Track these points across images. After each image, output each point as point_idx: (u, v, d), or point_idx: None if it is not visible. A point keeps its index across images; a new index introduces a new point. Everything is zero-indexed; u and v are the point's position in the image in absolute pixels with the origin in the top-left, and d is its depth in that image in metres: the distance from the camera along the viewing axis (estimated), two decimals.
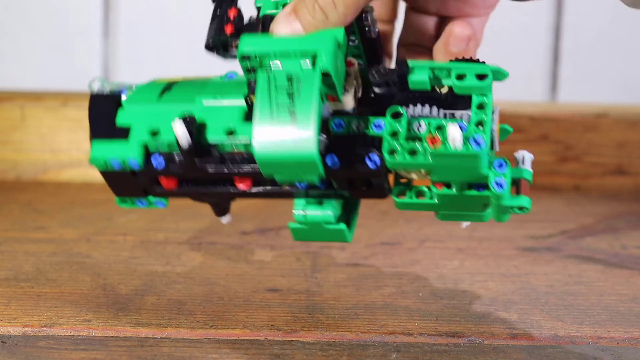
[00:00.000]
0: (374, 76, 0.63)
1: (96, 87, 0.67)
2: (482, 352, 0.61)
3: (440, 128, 0.62)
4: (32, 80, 1.11)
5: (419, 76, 0.63)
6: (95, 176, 1.06)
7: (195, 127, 0.63)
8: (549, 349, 0.62)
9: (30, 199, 0.98)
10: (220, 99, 0.65)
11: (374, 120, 0.63)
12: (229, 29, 0.66)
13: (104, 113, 0.67)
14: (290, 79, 0.60)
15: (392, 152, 0.62)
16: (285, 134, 0.59)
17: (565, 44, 1.09)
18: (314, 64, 0.60)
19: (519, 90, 1.10)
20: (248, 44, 0.61)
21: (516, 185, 0.62)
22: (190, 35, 1.10)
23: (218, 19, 0.67)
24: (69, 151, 1.06)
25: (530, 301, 0.69)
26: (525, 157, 0.64)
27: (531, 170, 0.63)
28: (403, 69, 0.62)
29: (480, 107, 0.62)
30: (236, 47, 0.66)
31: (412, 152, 0.62)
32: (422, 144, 0.62)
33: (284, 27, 0.63)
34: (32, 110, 1.06)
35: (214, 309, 0.67)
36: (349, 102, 0.63)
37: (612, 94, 1.10)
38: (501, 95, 1.10)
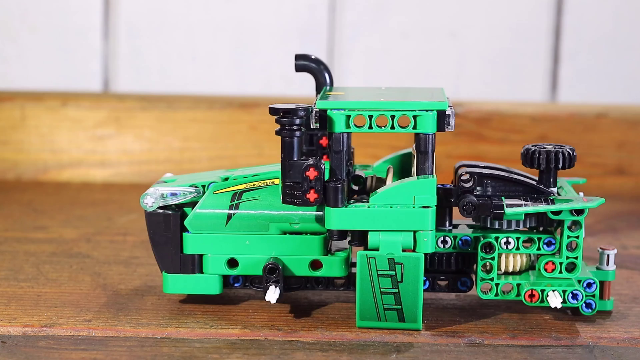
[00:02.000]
0: (466, 212, 0.64)
1: (150, 203, 0.66)
2: (482, 352, 0.61)
3: (530, 241, 0.65)
4: (32, 80, 1.11)
5: (513, 215, 0.64)
6: (95, 176, 1.06)
7: (281, 275, 0.65)
8: (549, 349, 0.61)
9: (30, 199, 0.98)
10: (295, 226, 0.65)
11: (462, 236, 0.65)
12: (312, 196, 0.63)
13: (168, 240, 0.66)
14: (392, 262, 0.62)
15: (485, 291, 0.66)
16: (391, 321, 0.63)
17: (565, 44, 1.09)
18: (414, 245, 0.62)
19: (519, 90, 1.10)
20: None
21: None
22: (189, 35, 1.10)
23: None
24: (69, 151, 1.06)
25: None
26: (610, 256, 0.67)
27: (614, 267, 0.67)
28: (499, 214, 0.64)
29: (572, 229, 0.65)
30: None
31: (507, 292, 0.66)
32: (514, 278, 0.66)
33: None
34: (32, 110, 1.06)
35: (214, 309, 0.67)
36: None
37: (612, 94, 1.10)
38: (501, 95, 1.10)
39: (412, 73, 1.10)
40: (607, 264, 0.67)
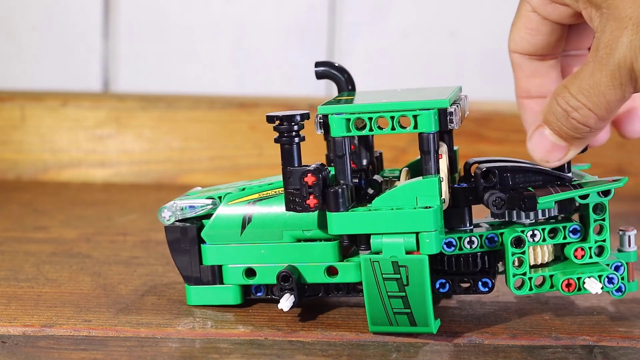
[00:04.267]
0: (496, 208, 0.63)
1: (167, 217, 0.66)
2: (482, 352, 0.61)
3: (555, 231, 0.64)
4: (32, 80, 1.11)
5: (546, 204, 0.63)
6: (95, 176, 1.06)
7: (295, 282, 0.64)
8: (549, 349, 0.61)
9: (30, 199, 0.98)
10: (308, 233, 0.65)
11: (488, 234, 0.64)
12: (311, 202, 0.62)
13: (187, 252, 0.66)
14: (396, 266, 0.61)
15: (519, 286, 0.64)
16: (403, 325, 0.62)
17: None
18: (418, 247, 0.61)
19: None
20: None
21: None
22: (189, 35, 1.10)
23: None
24: (69, 151, 1.06)
25: (531, 301, 0.69)
26: (631, 237, 0.66)
27: (636, 248, 0.66)
28: (532, 204, 0.62)
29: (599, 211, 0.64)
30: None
31: (540, 285, 0.64)
32: (547, 270, 0.64)
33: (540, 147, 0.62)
34: (32, 110, 1.06)
35: (214, 309, 0.67)
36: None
37: None
38: (501, 95, 1.10)
39: (412, 73, 1.10)
40: (630, 245, 0.66)
